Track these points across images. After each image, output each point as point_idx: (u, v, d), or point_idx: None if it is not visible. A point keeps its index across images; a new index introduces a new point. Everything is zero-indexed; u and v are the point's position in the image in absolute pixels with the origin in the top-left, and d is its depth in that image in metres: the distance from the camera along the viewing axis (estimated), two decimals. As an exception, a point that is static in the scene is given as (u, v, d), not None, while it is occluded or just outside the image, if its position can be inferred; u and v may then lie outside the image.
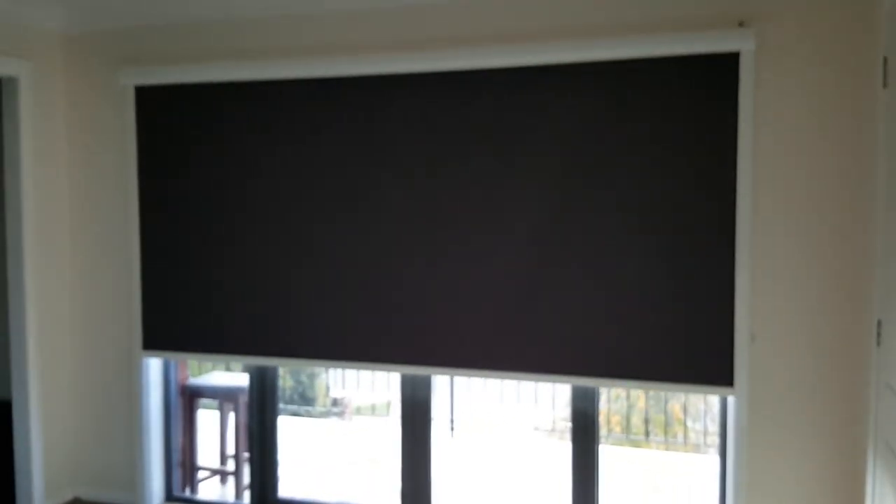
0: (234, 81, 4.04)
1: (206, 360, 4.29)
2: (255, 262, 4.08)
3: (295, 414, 7.32)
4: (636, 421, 7.81)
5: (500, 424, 7.33)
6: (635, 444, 7.29)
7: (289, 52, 3.98)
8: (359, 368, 4.05)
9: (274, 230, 4.02)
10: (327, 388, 8.20)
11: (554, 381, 3.73)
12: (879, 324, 2.86)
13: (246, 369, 4.45)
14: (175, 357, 4.38)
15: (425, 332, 3.83)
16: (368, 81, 3.84)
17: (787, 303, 3.38)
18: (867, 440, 2.97)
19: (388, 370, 3.97)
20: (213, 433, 5.18)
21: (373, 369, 3.99)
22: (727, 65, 3.34)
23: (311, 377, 8.48)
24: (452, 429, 6.91)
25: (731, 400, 3.50)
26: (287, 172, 3.99)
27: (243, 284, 4.10)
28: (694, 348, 3.45)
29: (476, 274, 3.73)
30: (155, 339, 4.30)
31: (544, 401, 7.83)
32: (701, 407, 7.70)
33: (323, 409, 7.77)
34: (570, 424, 3.92)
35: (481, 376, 3.83)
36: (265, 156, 4.02)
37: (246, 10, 4.00)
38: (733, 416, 3.47)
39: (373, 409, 7.85)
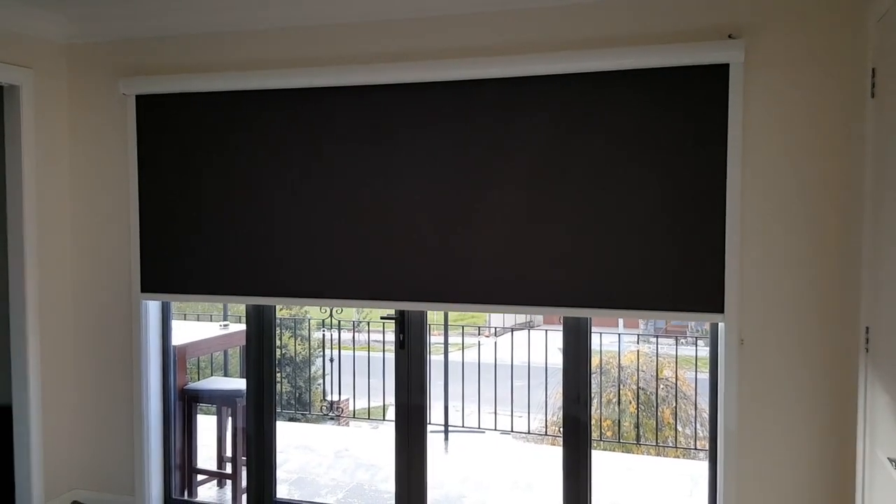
0: (231, 91, 4.12)
1: (202, 301, 4.37)
2: (251, 208, 4.15)
3: (292, 419, 7.36)
4: (627, 426, 7.89)
5: (494, 429, 7.38)
6: (627, 448, 7.36)
7: (282, 63, 4.05)
8: (355, 307, 4.10)
9: (269, 187, 4.10)
10: (324, 393, 8.25)
11: (546, 313, 3.76)
12: (867, 331, 2.91)
13: (245, 373, 4.48)
14: (171, 298, 4.42)
15: (420, 268, 3.88)
16: (365, 89, 3.91)
17: (776, 309, 3.45)
18: (857, 445, 3.01)
19: (384, 307, 4.00)
20: (211, 437, 5.22)
21: (369, 307, 4.03)
22: (717, 76, 3.41)
23: (308, 382, 8.52)
24: (447, 433, 6.96)
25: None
26: (283, 171, 4.06)
27: (241, 230, 4.18)
28: (684, 277, 3.51)
29: (470, 209, 3.79)
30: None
31: (537, 406, 7.90)
32: (691, 412, 7.77)
33: (319, 414, 7.82)
34: (562, 429, 3.98)
35: (474, 310, 3.86)
36: (260, 157, 4.10)
37: (243, 24, 4.08)
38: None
39: (368, 414, 7.90)
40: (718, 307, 3.48)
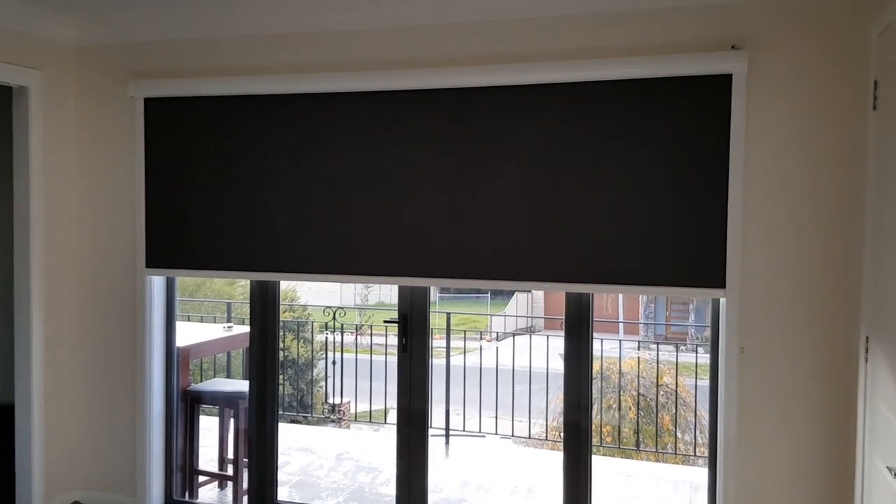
0: (237, 95, 4.15)
1: (208, 276, 4.43)
2: (254, 187, 4.20)
3: (294, 421, 7.37)
4: (627, 432, 7.90)
5: (495, 434, 7.39)
6: (626, 454, 7.37)
7: (287, 68, 4.08)
8: (358, 282, 4.15)
9: (278, 181, 4.15)
10: (325, 396, 8.28)
11: (547, 289, 3.81)
12: (867, 340, 2.94)
13: (248, 375, 4.49)
14: (175, 273, 4.47)
15: (428, 246, 3.92)
16: (365, 96, 3.96)
17: (776, 319, 3.47)
18: (856, 453, 3.03)
19: (392, 283, 4.06)
20: (212, 438, 5.24)
21: (375, 283, 4.09)
22: (720, 86, 3.44)
23: (310, 384, 8.55)
24: (448, 437, 6.97)
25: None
26: (292, 167, 4.11)
27: (242, 205, 4.23)
28: (687, 253, 3.55)
29: (475, 186, 3.83)
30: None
31: (538, 411, 7.92)
32: (691, 418, 7.79)
33: (321, 417, 7.84)
34: (562, 434, 3.99)
35: (478, 286, 3.91)
36: (265, 161, 4.14)
37: (250, 28, 4.12)
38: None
39: (370, 417, 7.93)
40: (720, 283, 3.52)
